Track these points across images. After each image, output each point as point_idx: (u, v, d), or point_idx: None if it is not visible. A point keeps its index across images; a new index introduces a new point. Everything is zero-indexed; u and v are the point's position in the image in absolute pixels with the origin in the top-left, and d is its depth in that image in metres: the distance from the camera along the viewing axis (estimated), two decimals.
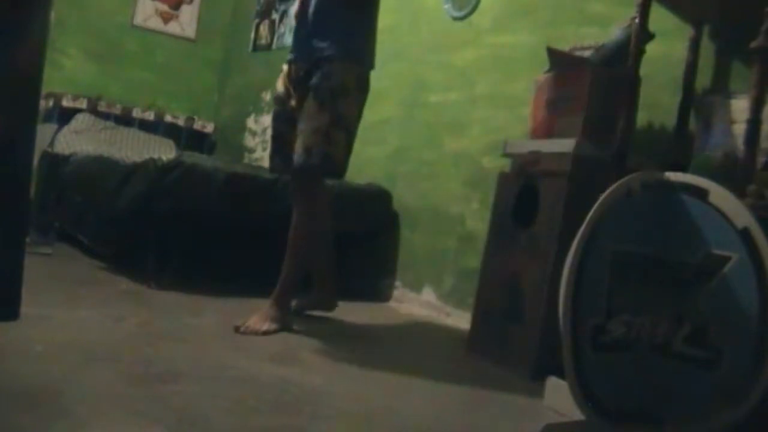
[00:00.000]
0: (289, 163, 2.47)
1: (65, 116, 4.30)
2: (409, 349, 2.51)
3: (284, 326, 2.34)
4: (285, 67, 2.54)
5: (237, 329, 2.22)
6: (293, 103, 2.47)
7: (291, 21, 4.07)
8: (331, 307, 2.71)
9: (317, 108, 2.33)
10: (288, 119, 2.49)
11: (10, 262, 1.31)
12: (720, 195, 1.55)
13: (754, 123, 1.69)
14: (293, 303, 2.55)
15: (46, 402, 1.39)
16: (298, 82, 2.45)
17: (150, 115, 4.71)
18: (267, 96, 4.72)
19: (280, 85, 2.54)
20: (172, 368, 1.75)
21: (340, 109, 2.35)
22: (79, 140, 4.14)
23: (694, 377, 1.53)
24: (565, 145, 2.18)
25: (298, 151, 2.35)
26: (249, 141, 4.99)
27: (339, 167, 2.42)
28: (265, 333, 2.24)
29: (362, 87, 2.45)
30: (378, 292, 3.36)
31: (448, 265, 3.09)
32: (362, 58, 2.45)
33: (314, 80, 2.36)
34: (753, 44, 1.69)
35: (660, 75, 2.23)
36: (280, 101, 2.54)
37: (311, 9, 2.43)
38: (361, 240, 3.44)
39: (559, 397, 1.81)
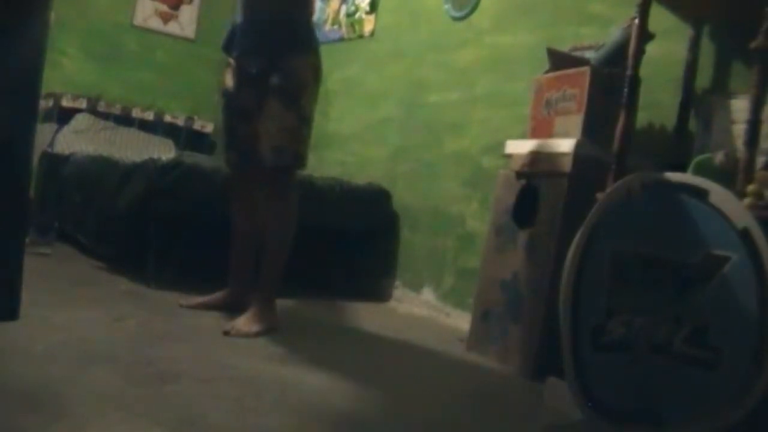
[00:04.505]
0: (244, 159, 2.47)
1: (65, 116, 4.28)
2: (409, 349, 2.50)
3: (272, 326, 2.33)
4: (233, 62, 2.48)
5: (226, 333, 2.21)
6: (245, 98, 2.43)
7: None
8: (241, 308, 2.42)
9: (282, 109, 2.32)
10: (239, 114, 2.46)
11: (10, 262, 1.31)
12: (720, 195, 1.55)
13: (754, 123, 1.69)
14: (203, 299, 2.54)
15: (46, 402, 1.40)
16: (250, 79, 2.40)
17: (150, 115, 4.69)
18: None
19: (228, 80, 2.50)
20: (172, 368, 1.75)
21: (304, 106, 2.37)
22: (78, 140, 4.13)
23: (694, 377, 1.53)
24: (565, 145, 2.18)
25: (266, 151, 2.33)
26: None
27: (306, 161, 2.44)
28: (256, 335, 2.24)
29: (318, 76, 2.45)
30: (378, 292, 3.36)
31: (448, 265, 3.08)
32: (314, 45, 2.46)
33: (275, 80, 2.33)
34: (753, 44, 1.69)
35: (660, 75, 2.23)
36: (229, 96, 2.50)
37: (260, 4, 2.41)
38: (361, 240, 3.44)
39: (559, 397, 1.81)
